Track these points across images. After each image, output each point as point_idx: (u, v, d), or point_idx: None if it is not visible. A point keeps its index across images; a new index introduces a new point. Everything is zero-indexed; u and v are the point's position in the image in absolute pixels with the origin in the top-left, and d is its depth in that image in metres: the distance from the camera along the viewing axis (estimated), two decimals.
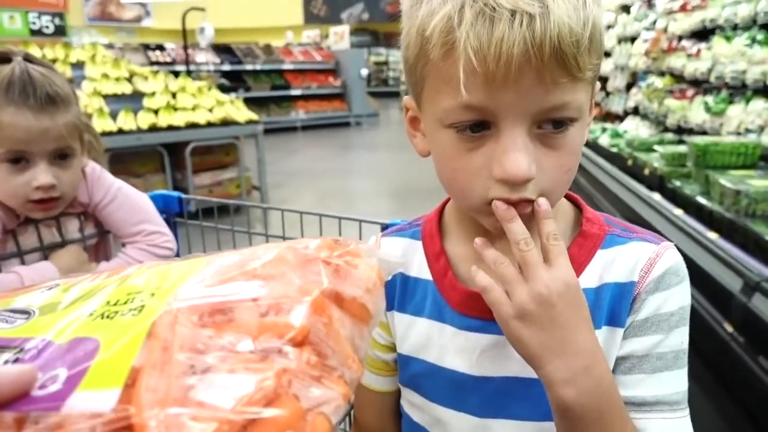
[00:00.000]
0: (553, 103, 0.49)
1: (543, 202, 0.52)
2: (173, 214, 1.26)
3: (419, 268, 0.66)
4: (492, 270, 0.53)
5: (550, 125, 0.51)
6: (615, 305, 0.57)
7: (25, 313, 0.37)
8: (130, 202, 1.14)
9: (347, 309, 0.35)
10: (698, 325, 2.10)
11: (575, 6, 0.47)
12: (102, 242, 1.19)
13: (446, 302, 0.63)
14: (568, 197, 0.64)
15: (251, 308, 0.32)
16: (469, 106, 0.49)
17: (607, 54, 5.57)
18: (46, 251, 1.07)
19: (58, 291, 0.40)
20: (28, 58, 0.97)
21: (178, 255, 1.25)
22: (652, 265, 0.57)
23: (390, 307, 0.68)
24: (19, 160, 0.95)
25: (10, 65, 0.94)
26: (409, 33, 0.54)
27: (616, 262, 0.58)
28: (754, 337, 1.81)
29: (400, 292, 0.67)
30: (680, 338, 0.57)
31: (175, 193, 1.24)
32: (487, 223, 0.56)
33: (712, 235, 2.33)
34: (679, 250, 2.04)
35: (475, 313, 0.60)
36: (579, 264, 0.58)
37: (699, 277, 2.25)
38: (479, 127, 0.51)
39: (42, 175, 0.95)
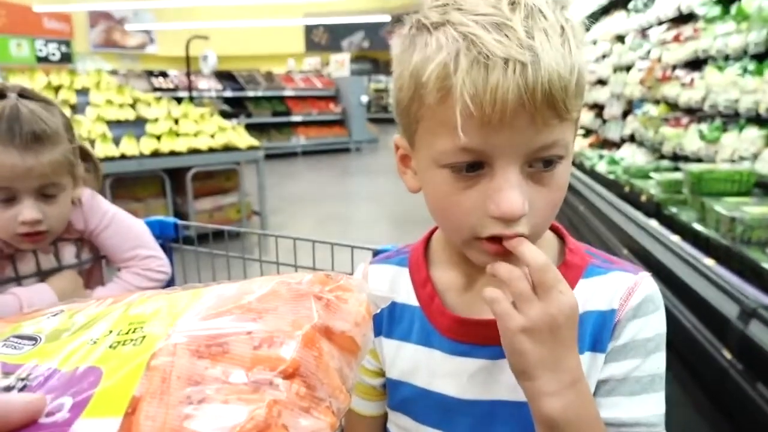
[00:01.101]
0: (544, 143, 0.52)
1: (515, 242, 0.54)
2: (169, 239, 1.28)
3: (406, 295, 0.69)
4: (504, 285, 0.54)
5: (541, 164, 0.54)
6: (597, 332, 0.60)
7: (32, 339, 0.39)
8: (125, 228, 1.17)
9: (336, 342, 0.37)
10: (697, 351, 2.10)
11: (563, 54, 0.50)
12: (95, 266, 1.21)
13: (434, 327, 0.65)
14: (551, 227, 0.67)
15: (245, 341, 0.34)
16: (466, 149, 0.52)
17: (603, 82, 5.65)
18: (43, 276, 1.09)
19: (64, 317, 0.42)
20: (23, 94, 1.00)
21: (173, 280, 1.27)
22: (630, 293, 0.60)
23: (377, 333, 0.69)
24: (6, 195, 0.98)
25: (1, 102, 0.96)
26: (402, 76, 0.56)
27: (598, 292, 0.61)
28: (753, 364, 1.81)
29: (387, 318, 0.69)
30: (657, 363, 0.60)
31: (171, 219, 1.27)
32: (477, 259, 0.59)
33: (709, 262, 2.35)
34: (677, 276, 2.03)
35: (463, 338, 0.63)
36: None
37: (697, 304, 2.25)
38: (474, 167, 0.53)
39: (27, 210, 0.98)
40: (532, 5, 0.51)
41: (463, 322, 0.62)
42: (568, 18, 0.53)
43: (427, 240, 0.72)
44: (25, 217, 0.97)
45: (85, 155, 1.14)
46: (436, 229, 0.71)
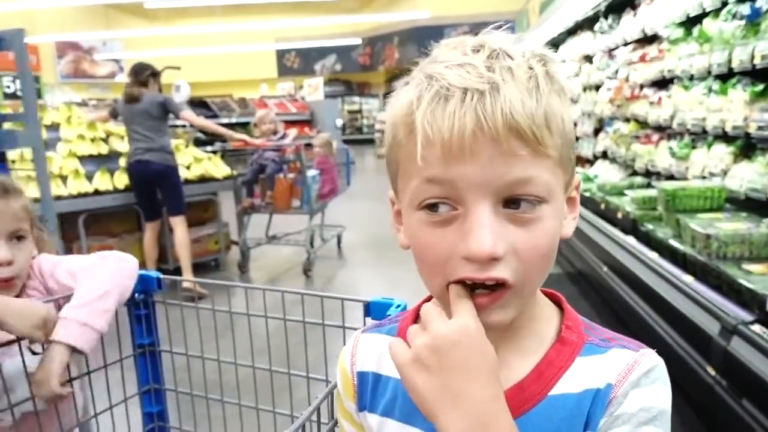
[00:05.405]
0: (516, 176, 0.49)
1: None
2: (152, 294, 1.25)
3: (391, 366, 0.62)
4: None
5: (518, 204, 0.50)
6: (592, 410, 0.56)
7: None
8: (77, 257, 1.20)
9: None
10: (682, 369, 2.12)
11: (527, 87, 0.49)
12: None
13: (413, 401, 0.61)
14: (552, 298, 0.64)
15: None
16: (432, 180, 0.50)
17: (574, 101, 5.78)
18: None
19: None
20: None
21: (157, 338, 1.23)
22: (630, 370, 0.56)
23: (362, 407, 0.66)
24: None
25: None
26: (386, 129, 0.58)
27: (596, 370, 0.57)
28: (737, 380, 1.83)
29: (372, 391, 0.65)
30: None
31: (154, 273, 1.24)
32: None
33: (688, 278, 2.38)
34: (657, 292, 2.03)
35: None
36: (557, 369, 0.58)
37: (678, 321, 2.28)
38: (446, 206, 0.51)
39: (1, 251, 1.08)
40: (497, 48, 0.51)
41: None
42: (549, 69, 0.52)
43: (419, 310, 0.67)
44: None
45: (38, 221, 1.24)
46: (427, 299, 0.67)
